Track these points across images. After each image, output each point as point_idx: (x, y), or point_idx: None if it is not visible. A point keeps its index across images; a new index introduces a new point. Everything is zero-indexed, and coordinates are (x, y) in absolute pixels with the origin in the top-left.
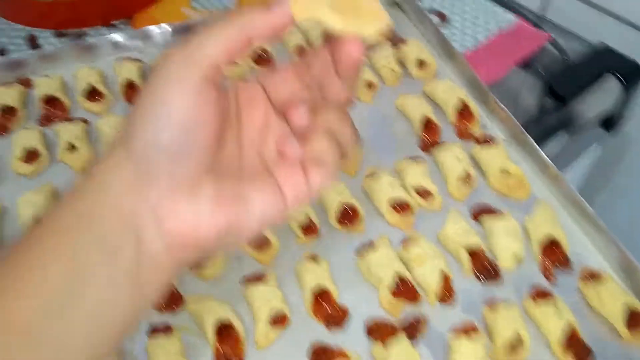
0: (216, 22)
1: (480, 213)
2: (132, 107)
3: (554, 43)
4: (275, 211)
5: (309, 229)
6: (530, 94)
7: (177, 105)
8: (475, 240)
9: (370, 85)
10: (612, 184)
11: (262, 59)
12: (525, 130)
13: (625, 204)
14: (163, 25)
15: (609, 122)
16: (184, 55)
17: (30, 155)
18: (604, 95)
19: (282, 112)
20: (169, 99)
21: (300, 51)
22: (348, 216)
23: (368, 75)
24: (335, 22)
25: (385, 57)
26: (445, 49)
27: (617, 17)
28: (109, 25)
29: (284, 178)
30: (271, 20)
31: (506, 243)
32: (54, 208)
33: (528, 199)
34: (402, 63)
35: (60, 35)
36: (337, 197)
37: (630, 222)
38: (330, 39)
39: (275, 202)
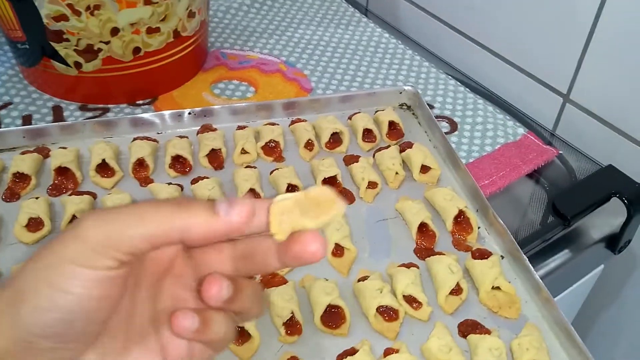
0: (152, 206)
1: (467, 329)
2: (33, 258)
3: (563, 160)
4: None
5: (293, 327)
6: (535, 206)
7: (76, 296)
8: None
9: (372, 185)
10: (617, 303)
11: (270, 149)
12: (528, 243)
13: (628, 323)
14: (183, 109)
15: (615, 243)
16: (103, 236)
17: (34, 224)
18: (609, 217)
19: (198, 276)
20: (68, 287)
21: (310, 145)
22: (333, 318)
23: (372, 175)
24: (308, 224)
25: (391, 159)
26: (451, 157)
27: (629, 137)
28: (132, 104)
29: (168, 338)
30: (212, 227)
31: None
32: None
33: (518, 319)
34: (407, 166)
35: (84, 108)
36: (326, 297)
37: (634, 347)
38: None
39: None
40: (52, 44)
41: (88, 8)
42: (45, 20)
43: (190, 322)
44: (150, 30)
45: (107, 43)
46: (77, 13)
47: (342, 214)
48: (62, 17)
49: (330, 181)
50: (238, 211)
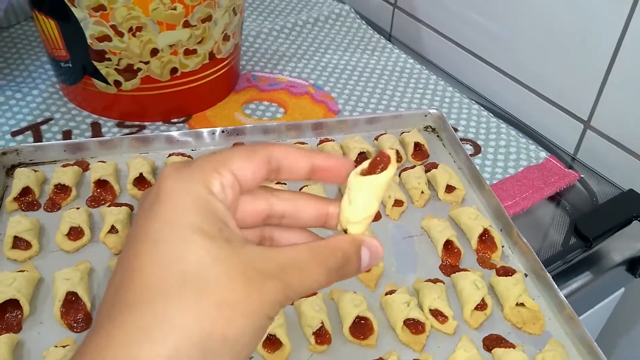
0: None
1: (492, 343)
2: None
3: (584, 183)
4: None
5: (322, 337)
6: (557, 228)
7: None
8: None
9: (399, 203)
10: (637, 327)
11: None
12: (550, 264)
13: None
14: (216, 127)
15: (636, 267)
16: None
17: (75, 233)
18: (630, 241)
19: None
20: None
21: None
22: (362, 329)
23: (398, 194)
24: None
25: (416, 178)
26: (475, 178)
27: None
28: (167, 122)
29: None
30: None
31: None
32: None
33: (541, 335)
34: (432, 186)
35: (121, 125)
36: (354, 309)
37: None
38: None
39: None
40: (94, 63)
41: (130, 29)
42: (89, 40)
43: None
44: (188, 52)
45: (146, 63)
46: (120, 34)
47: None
48: (105, 38)
49: None
50: (374, 261)
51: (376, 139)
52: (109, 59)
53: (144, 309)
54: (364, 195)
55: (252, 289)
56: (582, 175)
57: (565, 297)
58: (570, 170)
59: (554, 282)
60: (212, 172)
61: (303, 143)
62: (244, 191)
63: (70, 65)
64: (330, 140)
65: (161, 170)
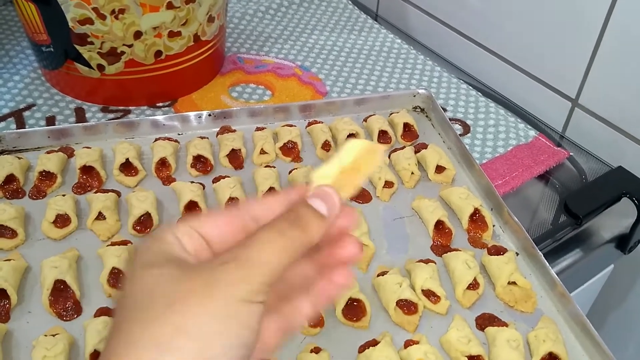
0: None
1: (484, 322)
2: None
3: (573, 161)
4: None
5: (315, 320)
6: (546, 206)
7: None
8: (477, 350)
9: (389, 184)
10: (626, 303)
11: (289, 149)
12: (540, 243)
13: (638, 323)
14: (203, 111)
15: (625, 244)
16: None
17: (61, 221)
18: (619, 218)
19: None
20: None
21: (327, 146)
22: (355, 311)
23: (388, 175)
24: (359, 180)
25: (406, 159)
26: (465, 157)
27: (637, 140)
28: (152, 106)
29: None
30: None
31: (508, 356)
32: None
33: (533, 312)
34: (422, 166)
35: (106, 110)
36: (347, 291)
37: None
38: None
39: None
40: (76, 47)
41: (113, 12)
42: (70, 24)
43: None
44: (172, 34)
45: (130, 46)
46: (102, 17)
47: (382, 158)
48: (87, 21)
49: None
50: (331, 205)
51: (365, 120)
52: (92, 43)
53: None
54: (341, 153)
55: (221, 281)
56: (571, 153)
57: (556, 274)
58: (559, 149)
59: (545, 260)
60: (166, 232)
61: (291, 126)
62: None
63: (52, 49)
64: (319, 122)
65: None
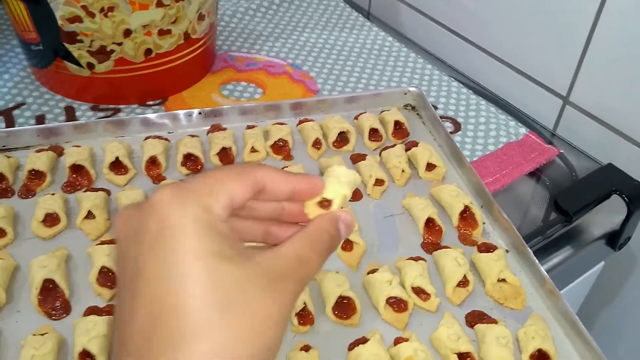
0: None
1: (474, 319)
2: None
3: (564, 158)
4: None
5: (305, 317)
6: (537, 203)
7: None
8: (466, 347)
9: (379, 182)
10: (617, 300)
11: (279, 147)
12: (530, 240)
13: (629, 320)
14: (193, 109)
15: (615, 240)
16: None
17: (50, 220)
18: (609, 215)
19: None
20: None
21: (318, 144)
22: (345, 309)
23: (379, 173)
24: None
25: (397, 157)
26: (455, 155)
27: (627, 137)
28: (143, 104)
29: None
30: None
31: (497, 353)
32: None
33: (523, 310)
34: (412, 164)
35: (96, 109)
36: (337, 288)
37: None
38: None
39: None
40: (66, 45)
41: (102, 10)
42: (59, 22)
43: None
44: (162, 32)
45: (119, 44)
46: (91, 15)
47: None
48: (76, 19)
49: None
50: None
51: (356, 118)
52: (81, 41)
53: (192, 346)
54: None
55: (276, 297)
56: (561, 151)
57: (546, 271)
58: (549, 146)
59: (535, 258)
60: (209, 196)
61: (282, 124)
62: (235, 210)
63: (41, 48)
64: (310, 121)
65: (153, 195)
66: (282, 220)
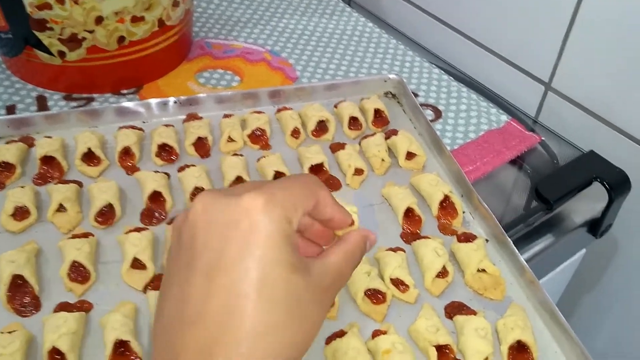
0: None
1: (454, 310)
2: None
3: (545, 146)
4: None
5: None
6: (518, 192)
7: None
8: (445, 340)
9: (359, 172)
10: (599, 287)
11: (257, 137)
12: (512, 228)
13: (610, 307)
14: (168, 98)
15: (596, 228)
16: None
17: (20, 213)
18: (591, 202)
19: None
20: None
21: (296, 133)
22: None
23: (358, 162)
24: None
25: (376, 146)
26: (436, 143)
27: (609, 124)
28: (117, 93)
29: None
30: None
31: (476, 345)
32: None
33: (503, 300)
34: (393, 153)
35: (69, 98)
36: None
37: (615, 330)
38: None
39: None
40: (36, 33)
41: None
42: (28, 9)
43: None
44: (135, 19)
45: (91, 32)
46: (61, 1)
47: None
48: (45, 6)
49: (317, 168)
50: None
51: (335, 106)
52: (51, 29)
53: (264, 339)
54: None
55: (324, 306)
56: (543, 138)
57: (528, 260)
58: (530, 133)
59: (514, 247)
60: (293, 211)
61: (260, 112)
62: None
63: (11, 36)
64: (288, 109)
65: (243, 198)
66: (303, 235)
